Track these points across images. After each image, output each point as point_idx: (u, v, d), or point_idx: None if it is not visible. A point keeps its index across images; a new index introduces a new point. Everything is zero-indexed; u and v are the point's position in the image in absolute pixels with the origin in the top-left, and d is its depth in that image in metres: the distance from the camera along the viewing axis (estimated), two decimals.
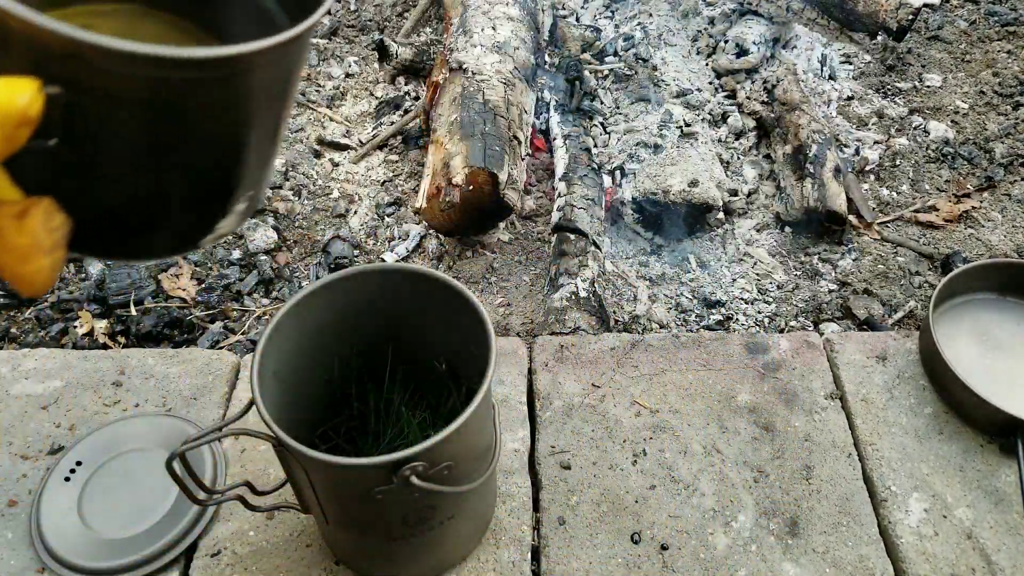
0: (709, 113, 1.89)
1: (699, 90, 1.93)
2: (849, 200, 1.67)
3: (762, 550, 1.07)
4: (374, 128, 1.94)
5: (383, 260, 1.62)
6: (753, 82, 1.95)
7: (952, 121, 1.93)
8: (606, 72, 1.99)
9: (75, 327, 1.45)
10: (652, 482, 1.15)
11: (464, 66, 1.70)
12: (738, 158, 1.83)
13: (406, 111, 1.95)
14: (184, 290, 1.52)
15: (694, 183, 1.61)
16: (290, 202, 1.73)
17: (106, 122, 0.50)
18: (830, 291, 1.56)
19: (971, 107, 1.97)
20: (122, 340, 1.44)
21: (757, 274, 1.60)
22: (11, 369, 1.27)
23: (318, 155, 1.87)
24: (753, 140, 1.87)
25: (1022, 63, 2.08)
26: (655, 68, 1.94)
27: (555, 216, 1.60)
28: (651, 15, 2.12)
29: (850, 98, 2.01)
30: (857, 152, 1.85)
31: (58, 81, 0.46)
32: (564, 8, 2.18)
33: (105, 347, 1.42)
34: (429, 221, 1.58)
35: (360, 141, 1.91)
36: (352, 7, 2.32)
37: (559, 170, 1.71)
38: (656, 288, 1.57)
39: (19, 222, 0.46)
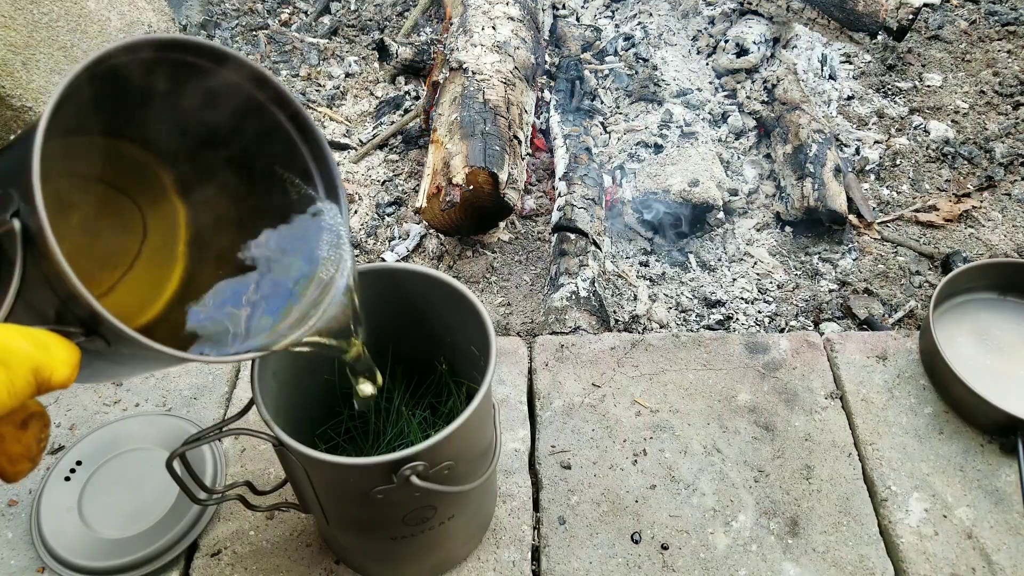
0: (709, 113, 1.89)
1: (699, 90, 1.93)
2: (849, 200, 1.67)
3: (762, 550, 1.07)
4: (374, 128, 1.94)
5: (383, 260, 1.62)
6: (753, 82, 1.95)
7: (952, 121, 1.93)
8: (606, 72, 1.99)
9: None
10: (652, 482, 1.15)
11: (464, 66, 1.70)
12: (738, 158, 1.83)
13: (406, 111, 1.95)
14: None
15: (694, 183, 1.61)
16: None
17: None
18: (830, 291, 1.56)
19: (971, 107, 1.97)
20: None
21: (757, 274, 1.60)
22: None
23: None
24: (753, 140, 1.86)
25: (1022, 63, 2.08)
26: (655, 68, 1.94)
27: (555, 216, 1.60)
28: (651, 15, 2.12)
29: (850, 98, 2.01)
30: (857, 152, 1.85)
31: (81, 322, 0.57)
32: (564, 8, 2.18)
33: None
34: (429, 221, 1.58)
35: (360, 141, 1.91)
36: (352, 7, 2.32)
37: (559, 170, 1.71)
38: (656, 288, 1.57)
39: (18, 431, 0.54)
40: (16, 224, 0.55)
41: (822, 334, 1.38)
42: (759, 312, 1.52)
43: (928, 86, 2.04)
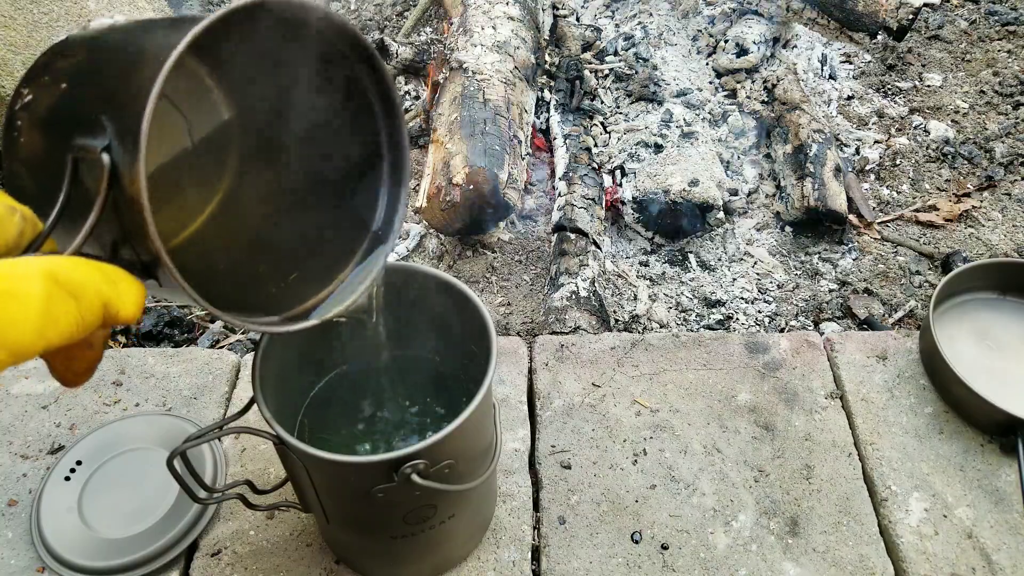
0: (709, 113, 1.89)
1: (699, 89, 1.93)
2: (849, 200, 1.67)
3: (762, 549, 1.07)
4: None
5: None
6: (753, 81, 1.95)
7: (952, 121, 1.93)
8: (606, 72, 1.99)
9: None
10: (652, 481, 1.15)
11: (464, 65, 1.70)
12: (738, 158, 1.83)
13: (406, 111, 1.95)
14: None
15: (694, 182, 1.61)
16: None
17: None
18: (830, 291, 1.56)
19: (971, 107, 1.97)
20: (122, 339, 1.44)
21: (757, 273, 1.60)
22: (11, 368, 1.26)
23: None
24: (753, 140, 1.87)
25: (1022, 63, 2.08)
26: (655, 68, 1.94)
27: (555, 215, 1.60)
28: (651, 14, 2.12)
29: (850, 98, 2.01)
30: (857, 151, 1.85)
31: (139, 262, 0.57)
32: (564, 8, 2.18)
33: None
34: (429, 221, 1.58)
35: None
36: (352, 6, 2.32)
37: (559, 169, 1.71)
38: (656, 287, 1.57)
39: (84, 352, 0.59)
40: (106, 159, 0.52)
41: (822, 334, 1.38)
42: (759, 312, 1.52)
43: (928, 86, 2.04)
